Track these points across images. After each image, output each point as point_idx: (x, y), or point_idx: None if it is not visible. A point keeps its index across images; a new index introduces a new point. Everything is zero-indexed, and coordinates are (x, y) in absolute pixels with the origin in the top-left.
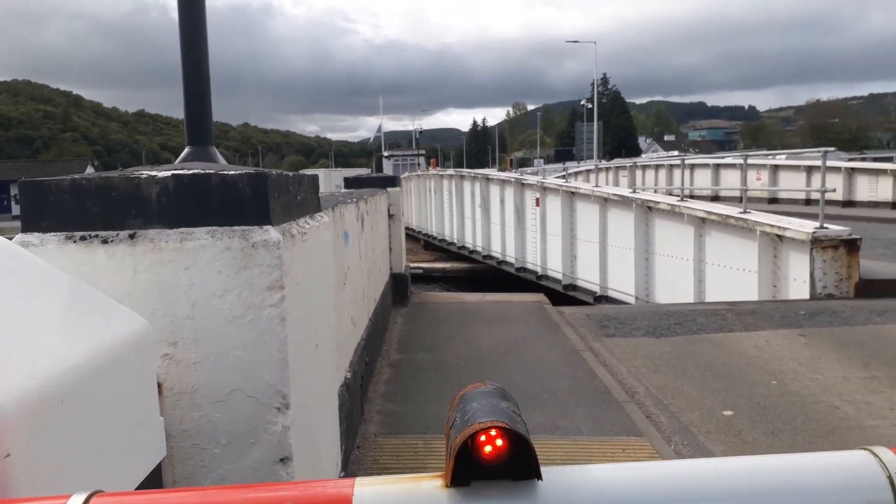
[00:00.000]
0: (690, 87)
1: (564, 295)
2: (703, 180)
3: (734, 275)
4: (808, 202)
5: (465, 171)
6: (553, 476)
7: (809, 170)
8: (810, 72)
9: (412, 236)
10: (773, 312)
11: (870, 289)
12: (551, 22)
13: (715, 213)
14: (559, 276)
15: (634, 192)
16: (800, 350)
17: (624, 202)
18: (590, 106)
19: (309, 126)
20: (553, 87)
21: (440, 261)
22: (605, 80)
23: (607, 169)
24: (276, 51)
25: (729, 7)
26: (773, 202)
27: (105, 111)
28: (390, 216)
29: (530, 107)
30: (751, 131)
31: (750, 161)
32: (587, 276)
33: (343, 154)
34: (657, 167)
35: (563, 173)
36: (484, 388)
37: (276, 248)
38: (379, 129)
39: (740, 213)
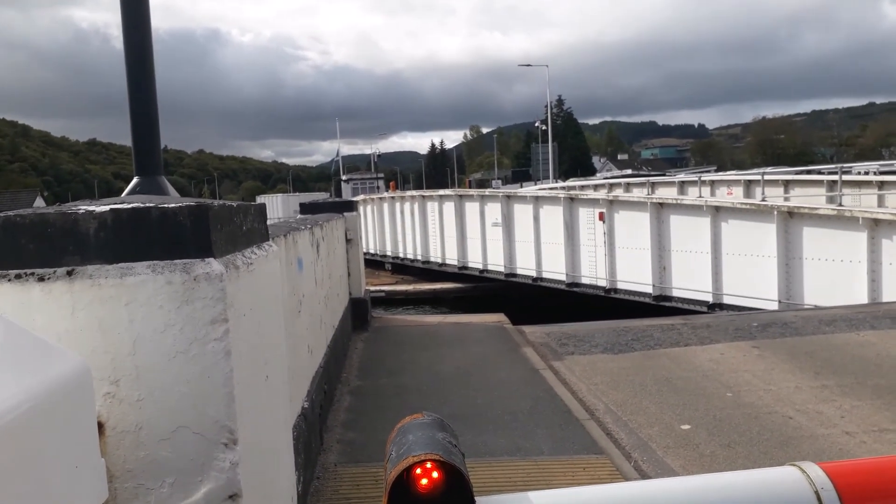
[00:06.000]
0: (639, 108)
1: (654, 306)
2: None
3: None
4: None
5: (473, 191)
6: None
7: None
8: (753, 90)
9: (371, 260)
10: (728, 325)
11: None
12: (498, 47)
13: None
14: (645, 289)
15: (764, 199)
16: (753, 362)
17: (756, 210)
18: (544, 128)
19: (264, 151)
20: (505, 110)
21: (402, 283)
22: (559, 102)
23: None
24: (226, 78)
25: (666, 31)
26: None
27: (55, 141)
28: (348, 241)
29: (484, 129)
30: (701, 148)
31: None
32: (692, 286)
33: (301, 178)
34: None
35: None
36: (422, 419)
37: (218, 281)
38: (337, 153)
39: None
